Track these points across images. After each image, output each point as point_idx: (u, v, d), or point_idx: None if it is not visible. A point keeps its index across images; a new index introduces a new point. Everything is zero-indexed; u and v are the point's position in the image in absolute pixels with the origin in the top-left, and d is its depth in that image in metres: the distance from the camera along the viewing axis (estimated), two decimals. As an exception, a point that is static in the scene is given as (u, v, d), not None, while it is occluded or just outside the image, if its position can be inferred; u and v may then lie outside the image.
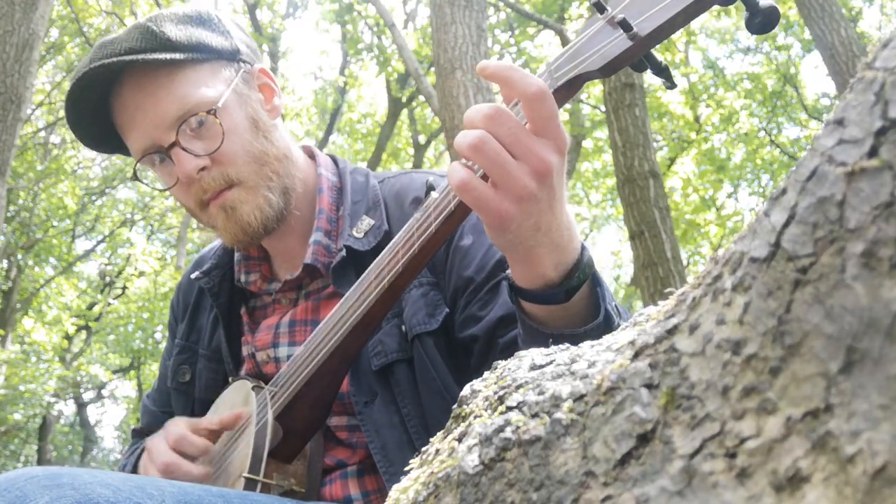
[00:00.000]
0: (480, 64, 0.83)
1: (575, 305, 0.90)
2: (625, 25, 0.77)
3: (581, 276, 0.88)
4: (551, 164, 0.80)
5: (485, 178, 0.82)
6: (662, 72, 0.81)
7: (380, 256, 1.03)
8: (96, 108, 1.19)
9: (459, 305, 1.15)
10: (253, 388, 1.19)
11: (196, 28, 1.21)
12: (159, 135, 1.15)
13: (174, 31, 1.17)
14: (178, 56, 1.15)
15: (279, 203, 1.21)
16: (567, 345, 0.57)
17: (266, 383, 1.19)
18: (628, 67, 0.83)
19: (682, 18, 0.75)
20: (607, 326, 0.90)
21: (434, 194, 0.96)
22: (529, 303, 0.91)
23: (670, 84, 0.83)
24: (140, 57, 1.12)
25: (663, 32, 0.77)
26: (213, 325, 1.37)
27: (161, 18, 1.18)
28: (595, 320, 0.90)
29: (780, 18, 0.75)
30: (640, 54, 0.79)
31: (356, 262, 1.11)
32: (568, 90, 0.85)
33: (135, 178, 1.25)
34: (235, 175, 1.17)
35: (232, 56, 1.23)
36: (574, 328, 0.90)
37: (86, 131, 1.23)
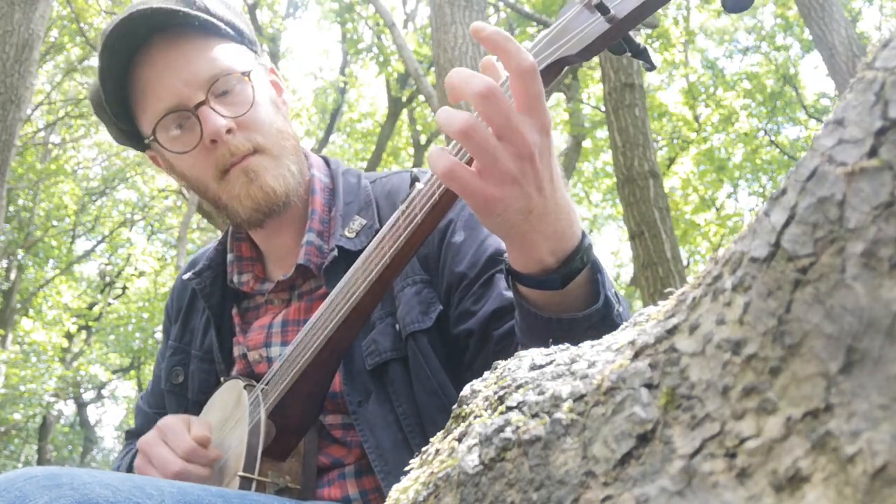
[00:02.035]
0: (475, 25, 0.81)
1: (573, 291, 0.89)
2: (602, 8, 0.77)
3: (580, 263, 0.87)
4: (534, 145, 0.79)
5: (468, 161, 0.82)
6: (641, 54, 0.81)
7: (367, 249, 1.03)
8: (121, 70, 1.19)
9: (453, 302, 1.15)
10: (245, 388, 1.19)
11: (230, 11, 1.24)
12: (188, 93, 1.15)
13: (212, 4, 1.20)
14: (217, 22, 1.19)
15: (299, 178, 1.24)
16: (567, 345, 0.57)
17: (258, 382, 1.19)
18: (612, 54, 0.83)
19: (658, 0, 0.76)
20: (607, 312, 0.90)
21: (419, 185, 0.96)
22: (526, 287, 0.91)
23: (649, 66, 0.83)
24: (185, 10, 1.15)
25: (640, 14, 0.77)
26: (205, 326, 1.37)
27: None
28: (594, 305, 0.89)
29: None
30: (618, 37, 0.79)
31: (348, 262, 1.11)
32: (548, 75, 0.84)
33: (155, 139, 1.19)
34: (263, 141, 1.18)
35: (253, 46, 1.28)
36: (572, 313, 0.89)
37: (113, 85, 1.20)
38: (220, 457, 1.16)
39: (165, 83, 1.16)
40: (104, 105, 1.22)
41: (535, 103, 0.79)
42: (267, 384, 1.14)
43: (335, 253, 1.19)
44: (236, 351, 1.33)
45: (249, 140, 1.17)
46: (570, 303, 0.90)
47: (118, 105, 1.22)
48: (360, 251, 1.11)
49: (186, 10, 1.15)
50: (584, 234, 0.89)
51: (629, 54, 0.82)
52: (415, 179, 0.99)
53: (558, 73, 0.85)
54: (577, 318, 0.88)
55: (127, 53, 1.17)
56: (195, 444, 1.13)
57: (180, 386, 1.37)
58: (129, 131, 1.26)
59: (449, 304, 1.16)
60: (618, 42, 0.80)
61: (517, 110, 0.80)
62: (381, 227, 1.19)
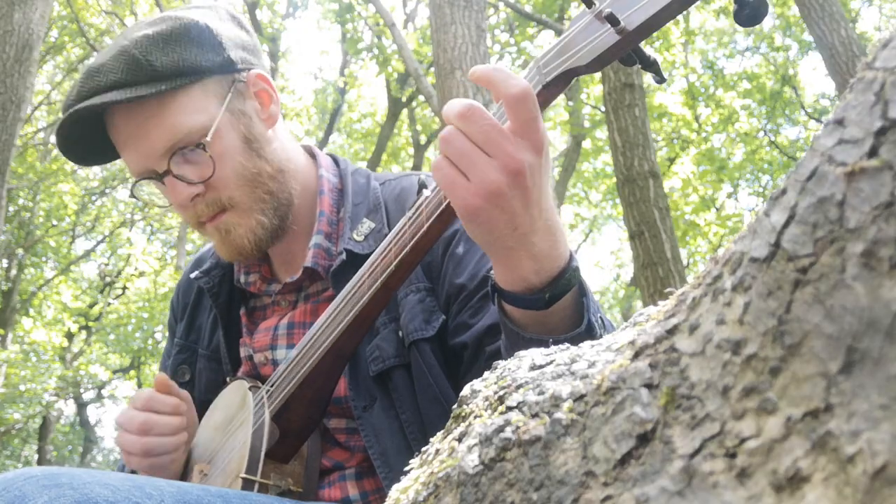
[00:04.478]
0: (471, 70, 0.84)
1: (557, 313, 0.89)
2: (612, 20, 0.77)
3: (565, 286, 0.87)
4: (523, 163, 0.80)
5: None
6: (651, 66, 0.81)
7: (373, 254, 1.03)
8: (90, 129, 1.17)
9: (452, 312, 1.15)
10: (250, 388, 1.19)
11: (185, 47, 1.15)
12: (152, 163, 1.15)
13: (161, 59, 1.12)
14: (163, 87, 1.12)
15: (272, 223, 1.22)
16: (567, 345, 0.56)
17: (263, 384, 1.19)
18: (623, 65, 0.83)
19: (669, 12, 0.76)
20: (589, 337, 0.89)
21: (426, 192, 0.96)
22: (511, 306, 0.91)
23: (660, 78, 0.83)
24: (125, 96, 1.10)
25: (651, 26, 0.77)
26: (212, 325, 1.37)
27: (147, 43, 1.13)
28: (576, 329, 0.89)
29: (768, 11, 0.76)
30: (628, 48, 0.80)
31: (356, 265, 1.11)
32: (557, 85, 0.85)
33: (132, 196, 1.25)
34: (228, 199, 1.17)
35: (225, 68, 1.18)
36: (555, 335, 0.89)
37: (79, 157, 1.23)
38: (179, 405, 1.21)
39: (129, 154, 1.17)
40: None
41: (527, 126, 0.81)
42: (272, 386, 1.14)
43: (343, 256, 1.19)
44: (243, 352, 1.33)
45: (216, 201, 1.17)
46: (553, 325, 0.90)
47: (84, 154, 1.24)
48: (369, 255, 1.11)
49: (127, 94, 1.10)
50: (571, 257, 0.89)
51: (640, 66, 0.82)
52: (422, 186, 0.99)
53: (568, 83, 0.85)
54: (559, 341, 0.88)
55: (90, 118, 1.15)
56: (153, 392, 1.19)
57: (187, 384, 1.37)
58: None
59: (448, 314, 1.16)
60: (628, 53, 0.80)
61: (511, 132, 0.81)
62: (390, 230, 1.20)
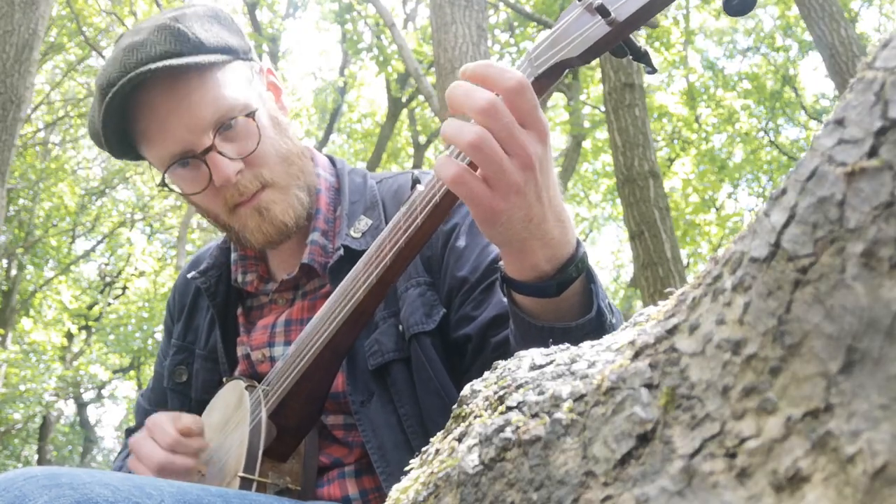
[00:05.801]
0: (463, 69, 0.83)
1: (567, 300, 0.90)
2: (602, 11, 0.77)
3: (575, 271, 0.88)
4: (535, 156, 0.81)
5: (472, 167, 0.83)
6: (642, 57, 0.82)
7: (368, 250, 1.03)
8: (119, 118, 1.15)
9: (454, 305, 1.16)
10: (246, 388, 1.19)
11: (219, 28, 1.20)
12: (194, 139, 1.13)
13: (202, 32, 1.15)
14: (211, 58, 1.13)
15: (307, 200, 1.24)
16: (567, 345, 0.56)
17: (260, 382, 1.19)
18: (614, 56, 0.83)
19: (659, 3, 0.76)
20: (599, 322, 0.90)
21: (420, 187, 0.96)
22: (521, 295, 0.91)
23: (651, 69, 0.83)
24: (181, 61, 1.10)
25: (641, 17, 0.77)
26: (209, 325, 1.37)
27: (187, 18, 1.16)
28: (587, 315, 0.90)
29: (757, 0, 0.76)
30: (618, 39, 0.80)
31: (354, 261, 1.11)
32: (549, 78, 0.85)
33: (163, 185, 1.20)
34: (269, 176, 1.18)
35: (247, 54, 1.23)
36: (566, 322, 0.90)
37: (113, 137, 1.18)
38: (204, 446, 1.17)
39: (169, 130, 1.13)
40: (104, 146, 1.20)
41: (530, 117, 0.81)
42: (268, 385, 1.14)
43: (341, 252, 1.19)
44: (239, 351, 1.33)
45: (257, 178, 1.17)
46: (564, 312, 0.91)
47: (120, 143, 1.20)
48: (366, 251, 1.11)
49: (180, 60, 1.10)
50: (578, 243, 0.90)
51: (630, 57, 0.82)
52: (416, 181, 0.99)
53: (560, 75, 0.86)
54: (571, 328, 0.89)
55: (126, 98, 1.12)
56: (178, 435, 1.15)
57: (184, 385, 1.37)
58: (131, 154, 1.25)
59: (450, 307, 1.16)
60: (619, 45, 0.81)
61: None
62: None
